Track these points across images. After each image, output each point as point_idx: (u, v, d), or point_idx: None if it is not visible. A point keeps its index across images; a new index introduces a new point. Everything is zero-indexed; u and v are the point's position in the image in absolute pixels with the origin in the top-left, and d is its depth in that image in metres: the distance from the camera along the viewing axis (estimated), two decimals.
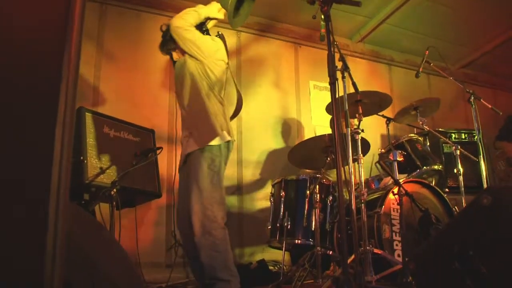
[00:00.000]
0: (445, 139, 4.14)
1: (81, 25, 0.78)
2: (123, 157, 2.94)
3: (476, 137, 3.54)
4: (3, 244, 0.68)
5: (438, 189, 3.25)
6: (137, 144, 3.09)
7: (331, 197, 3.45)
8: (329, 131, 4.19)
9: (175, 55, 2.92)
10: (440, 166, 3.68)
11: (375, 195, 3.23)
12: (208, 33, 2.93)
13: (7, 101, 0.71)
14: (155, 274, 3.53)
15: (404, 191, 2.74)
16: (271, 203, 3.61)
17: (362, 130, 2.98)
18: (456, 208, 3.31)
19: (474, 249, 1.44)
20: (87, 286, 1.12)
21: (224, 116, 2.75)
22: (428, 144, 3.87)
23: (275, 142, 4.79)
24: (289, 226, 3.31)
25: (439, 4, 4.77)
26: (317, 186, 3.19)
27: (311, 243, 3.25)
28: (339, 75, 2.31)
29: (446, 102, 5.02)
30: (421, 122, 3.71)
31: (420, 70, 3.76)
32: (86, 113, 2.83)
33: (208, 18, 2.92)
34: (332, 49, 2.11)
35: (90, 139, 2.79)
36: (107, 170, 2.80)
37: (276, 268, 3.75)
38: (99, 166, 2.77)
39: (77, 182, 2.63)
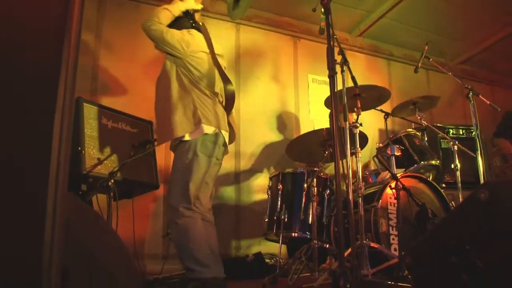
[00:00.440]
0: (443, 134, 4.14)
1: (80, 14, 0.78)
2: (121, 148, 2.93)
3: (474, 133, 3.55)
4: (1, 234, 0.68)
5: (435, 184, 3.26)
6: (135, 135, 3.09)
7: (328, 191, 3.46)
8: (327, 125, 4.19)
9: None
10: (438, 161, 3.69)
11: (373, 189, 3.23)
12: (197, 26, 2.87)
13: (9, 91, 0.70)
14: (153, 265, 3.54)
15: (401, 186, 2.75)
16: (268, 196, 3.62)
17: (361, 124, 2.98)
18: (453, 203, 3.32)
19: (470, 243, 1.44)
20: (85, 275, 1.12)
21: (213, 108, 2.66)
22: (426, 139, 3.88)
23: (273, 135, 4.79)
24: (286, 219, 3.32)
25: None
26: (315, 180, 3.19)
27: (308, 236, 3.26)
28: (338, 68, 2.30)
29: (445, 98, 5.02)
30: (419, 117, 3.72)
31: (419, 65, 3.76)
32: (84, 104, 2.82)
33: (187, 12, 2.86)
34: (331, 42, 2.10)
35: (88, 130, 2.78)
36: (105, 161, 2.80)
37: (273, 261, 3.76)
38: (96, 157, 2.77)
39: (74, 172, 2.62)
